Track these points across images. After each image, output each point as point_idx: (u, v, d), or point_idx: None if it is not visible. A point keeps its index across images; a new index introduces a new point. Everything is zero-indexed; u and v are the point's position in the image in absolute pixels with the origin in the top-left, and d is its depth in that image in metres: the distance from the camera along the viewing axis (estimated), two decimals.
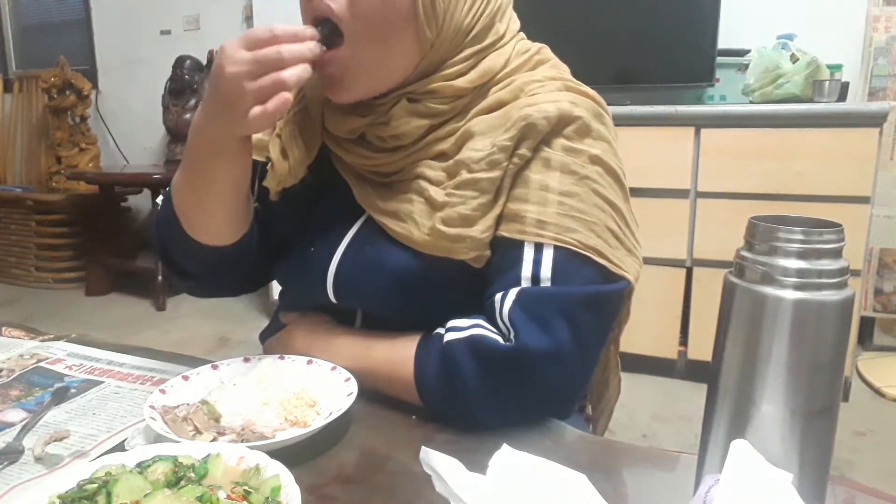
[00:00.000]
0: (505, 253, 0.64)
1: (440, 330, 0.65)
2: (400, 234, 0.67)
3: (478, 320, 0.63)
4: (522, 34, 0.72)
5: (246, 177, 0.68)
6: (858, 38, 2.32)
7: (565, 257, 0.61)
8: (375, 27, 0.62)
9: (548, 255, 0.61)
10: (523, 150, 0.63)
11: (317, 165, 0.73)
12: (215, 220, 0.71)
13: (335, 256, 0.70)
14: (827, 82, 2.03)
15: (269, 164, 0.73)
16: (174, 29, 3.61)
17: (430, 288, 0.67)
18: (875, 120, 1.91)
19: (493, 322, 0.63)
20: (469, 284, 0.66)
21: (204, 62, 3.36)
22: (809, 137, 1.97)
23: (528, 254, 0.62)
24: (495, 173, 0.63)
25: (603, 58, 2.43)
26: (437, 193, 0.65)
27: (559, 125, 0.63)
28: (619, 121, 2.62)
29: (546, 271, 0.61)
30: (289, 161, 0.71)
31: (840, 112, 1.95)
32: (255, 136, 0.75)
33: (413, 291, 0.67)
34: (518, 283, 0.62)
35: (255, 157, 0.73)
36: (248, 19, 3.36)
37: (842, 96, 2.05)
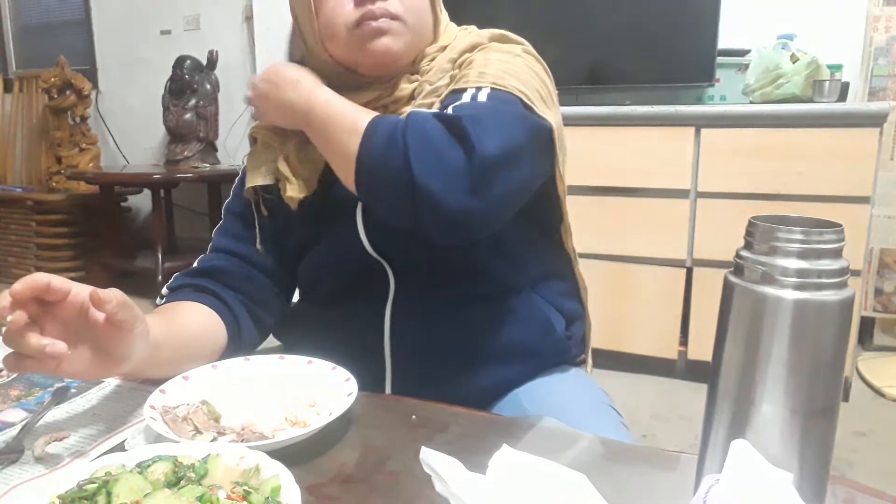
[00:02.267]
0: (449, 96, 0.75)
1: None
2: None
3: None
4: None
5: (152, 342, 0.64)
6: (858, 38, 2.32)
7: (500, 93, 0.71)
8: (419, 16, 0.78)
9: (484, 92, 0.71)
10: (467, 54, 0.78)
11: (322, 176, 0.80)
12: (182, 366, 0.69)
13: (357, 211, 0.78)
14: (827, 82, 2.03)
15: (282, 182, 0.80)
16: (174, 29, 3.61)
17: None
18: (875, 120, 1.91)
19: None
20: None
21: (204, 62, 3.36)
22: (809, 137, 1.97)
23: (469, 92, 0.72)
24: (447, 79, 0.78)
25: (603, 58, 2.43)
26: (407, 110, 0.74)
27: (493, 39, 0.80)
28: (620, 121, 2.62)
29: (483, 97, 0.70)
30: (303, 176, 0.80)
31: (840, 112, 1.95)
32: (258, 165, 0.83)
33: None
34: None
35: (261, 182, 0.81)
36: (249, 19, 3.36)
37: (842, 96, 2.04)
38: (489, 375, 0.79)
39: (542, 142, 0.73)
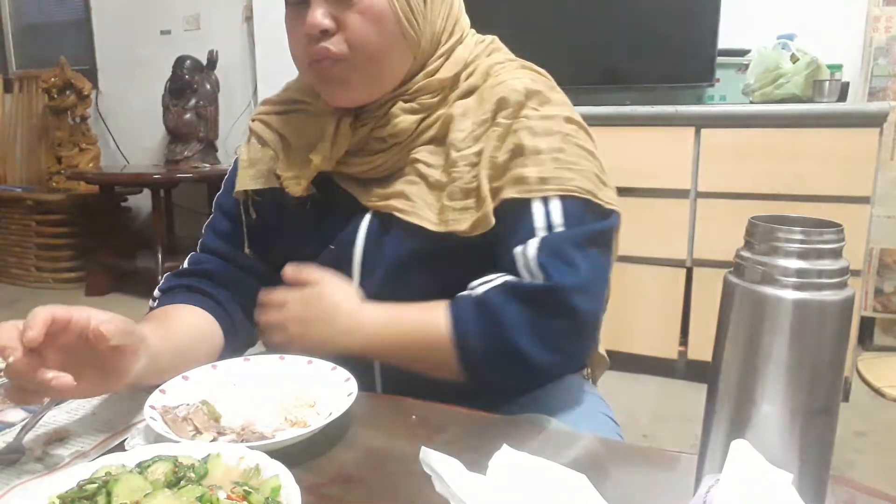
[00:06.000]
0: (515, 212, 0.70)
1: (463, 293, 0.69)
2: (410, 213, 0.72)
3: (501, 273, 0.69)
4: (472, 29, 0.82)
5: (153, 358, 0.63)
6: (858, 38, 2.32)
7: (571, 203, 0.69)
8: (372, 53, 0.71)
9: (555, 205, 0.69)
10: (500, 119, 0.72)
11: (319, 184, 0.78)
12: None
13: (356, 246, 0.76)
14: (827, 82, 2.03)
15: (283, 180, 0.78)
16: (174, 29, 3.60)
17: (444, 260, 0.73)
18: (875, 120, 1.91)
19: (515, 274, 0.69)
20: (478, 256, 0.72)
21: (204, 62, 3.36)
22: (809, 137, 1.97)
23: (538, 207, 0.69)
24: (479, 145, 0.72)
25: (603, 58, 2.43)
26: (436, 175, 0.73)
27: (526, 98, 0.73)
28: (620, 121, 2.60)
29: (558, 218, 0.69)
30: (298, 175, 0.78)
31: (840, 112, 1.95)
32: (251, 165, 0.82)
33: (428, 267, 0.73)
34: (534, 234, 0.69)
35: (251, 185, 0.81)
36: (248, 19, 3.35)
37: (842, 96, 2.04)
38: (482, 390, 0.76)
39: (612, 240, 0.74)
